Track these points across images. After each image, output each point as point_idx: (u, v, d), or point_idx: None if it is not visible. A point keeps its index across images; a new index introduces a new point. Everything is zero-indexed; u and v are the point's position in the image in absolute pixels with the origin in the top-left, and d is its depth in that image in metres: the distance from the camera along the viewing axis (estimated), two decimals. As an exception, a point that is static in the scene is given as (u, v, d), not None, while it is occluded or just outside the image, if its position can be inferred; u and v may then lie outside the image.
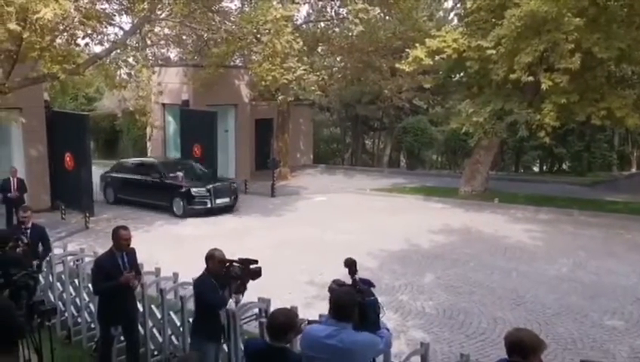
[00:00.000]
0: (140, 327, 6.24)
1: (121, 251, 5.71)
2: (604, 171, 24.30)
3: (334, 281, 4.01)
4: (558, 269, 10.24)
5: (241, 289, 4.94)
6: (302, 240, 12.48)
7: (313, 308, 6.80)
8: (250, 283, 4.96)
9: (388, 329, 3.83)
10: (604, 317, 7.93)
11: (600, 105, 14.44)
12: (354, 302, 3.56)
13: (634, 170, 25.51)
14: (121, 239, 5.68)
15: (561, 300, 8.58)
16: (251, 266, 4.93)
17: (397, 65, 17.73)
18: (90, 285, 6.86)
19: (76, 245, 10.16)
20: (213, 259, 5.16)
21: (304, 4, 20.76)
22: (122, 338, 6.12)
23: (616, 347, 6.97)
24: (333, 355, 3.44)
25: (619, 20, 14.27)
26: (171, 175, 16.01)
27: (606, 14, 14.09)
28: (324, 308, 3.92)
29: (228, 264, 5.03)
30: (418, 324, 7.61)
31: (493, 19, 14.93)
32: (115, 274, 5.58)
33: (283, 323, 3.56)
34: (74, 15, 11.05)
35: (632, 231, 12.91)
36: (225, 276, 5.01)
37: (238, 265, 4.96)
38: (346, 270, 4.06)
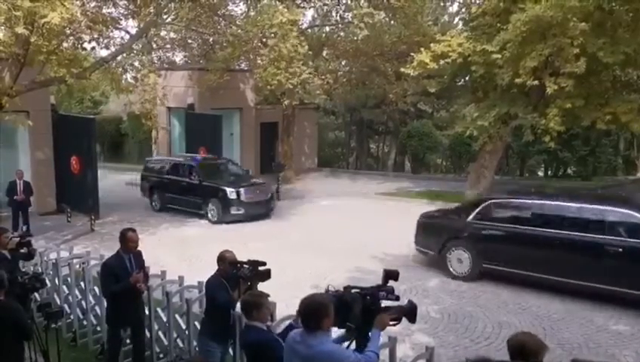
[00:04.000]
0: (145, 330, 6.26)
1: (129, 253, 5.76)
2: (610, 176, 24.20)
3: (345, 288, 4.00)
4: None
5: (250, 290, 4.98)
6: (307, 243, 12.49)
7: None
8: (259, 286, 4.99)
9: (376, 353, 3.64)
10: (609, 321, 7.89)
11: (605, 110, 14.39)
12: (319, 311, 3.48)
13: (639, 174, 25.38)
14: (129, 241, 5.73)
15: (567, 305, 8.54)
16: (260, 268, 4.97)
17: (402, 70, 17.74)
18: (95, 288, 6.92)
19: (82, 248, 10.21)
20: (224, 260, 5.23)
21: (309, 8, 20.87)
22: (128, 340, 6.15)
23: (622, 352, 6.94)
24: (302, 360, 3.47)
25: (624, 25, 14.23)
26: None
27: (611, 19, 14.07)
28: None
29: (239, 265, 5.07)
30: (423, 328, 7.59)
31: (499, 24, 14.92)
32: (123, 276, 5.62)
33: (248, 301, 4.08)
34: (81, 19, 11.16)
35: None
36: (235, 277, 5.05)
37: (247, 266, 5.00)
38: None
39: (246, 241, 12.22)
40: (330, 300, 3.57)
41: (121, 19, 14.88)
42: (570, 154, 23.86)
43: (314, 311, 3.48)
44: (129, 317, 5.79)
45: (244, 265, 5.06)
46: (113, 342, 5.96)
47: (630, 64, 14.61)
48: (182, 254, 11.30)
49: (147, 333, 6.23)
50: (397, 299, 3.99)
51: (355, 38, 19.75)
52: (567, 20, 12.95)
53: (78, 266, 7.45)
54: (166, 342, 6.18)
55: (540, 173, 27.71)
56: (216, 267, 5.39)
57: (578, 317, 8.04)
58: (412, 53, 17.20)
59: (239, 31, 15.80)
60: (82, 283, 7.18)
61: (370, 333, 3.73)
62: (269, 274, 4.96)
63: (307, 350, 3.45)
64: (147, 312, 6.20)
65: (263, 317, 4.07)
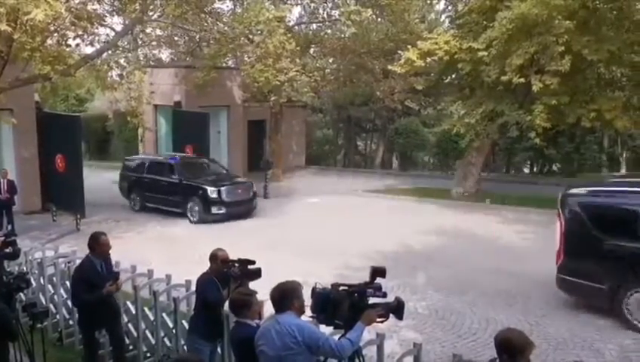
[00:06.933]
0: (132, 329, 6.22)
1: (100, 258, 5.58)
2: (594, 172, 24.48)
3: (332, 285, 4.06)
4: (550, 269, 10.28)
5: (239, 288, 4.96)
6: (295, 241, 12.49)
7: (307, 308, 6.81)
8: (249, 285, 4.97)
9: (350, 341, 3.74)
10: (593, 316, 7.99)
11: (590, 107, 14.57)
12: (288, 293, 3.76)
13: (623, 171, 25.70)
14: (103, 245, 5.56)
15: (552, 300, 8.64)
16: (250, 267, 4.95)
17: (389, 67, 17.81)
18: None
19: (67, 247, 10.09)
20: (216, 258, 5.21)
21: (296, 5, 20.82)
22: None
23: (606, 346, 7.03)
24: (277, 334, 3.64)
25: (608, 23, 14.42)
26: None
27: (596, 17, 14.23)
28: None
29: (230, 264, 5.06)
30: (411, 325, 7.64)
31: (485, 22, 15.05)
32: (97, 281, 5.45)
33: (237, 300, 4.14)
34: (65, 16, 11.01)
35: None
36: (226, 276, 5.03)
37: (237, 265, 4.99)
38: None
39: (233, 240, 12.16)
40: (298, 284, 3.85)
41: (106, 16, 14.72)
42: (556, 151, 24.10)
43: (282, 294, 3.74)
44: (103, 320, 5.65)
45: (235, 264, 5.05)
46: (89, 344, 5.84)
47: (614, 62, 14.79)
48: (169, 252, 11.23)
49: (134, 332, 6.20)
50: (384, 296, 4.02)
51: (343, 35, 19.77)
52: (553, 18, 13.08)
53: (63, 265, 7.38)
54: (153, 341, 6.14)
55: (526, 170, 27.98)
56: (203, 265, 5.37)
57: (563, 313, 8.14)
58: (399, 51, 17.31)
59: (226, 28, 15.72)
60: (68, 283, 7.09)
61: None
62: (259, 273, 4.96)
63: (278, 326, 3.66)
64: (134, 311, 6.16)
65: (252, 314, 4.12)
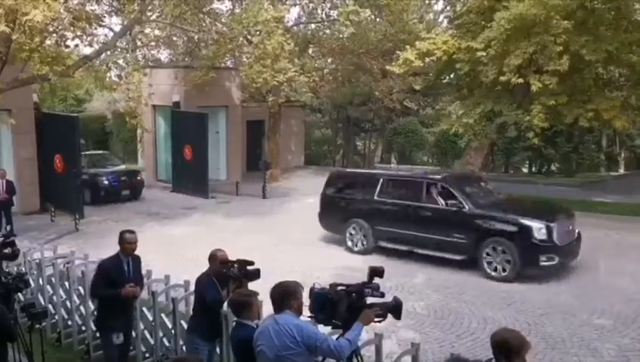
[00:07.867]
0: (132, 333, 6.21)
1: (128, 256, 5.61)
2: (593, 172, 24.55)
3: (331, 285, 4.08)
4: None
5: (239, 289, 4.97)
6: (293, 241, 12.48)
7: (305, 308, 6.81)
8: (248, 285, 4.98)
9: (349, 341, 3.77)
10: (592, 316, 8.01)
11: (588, 107, 14.58)
12: (286, 293, 3.77)
13: (621, 171, 25.76)
14: (126, 242, 5.58)
15: (551, 300, 8.65)
16: (249, 267, 4.97)
17: (388, 67, 17.83)
18: (80, 287, 6.85)
19: (66, 247, 10.09)
20: (215, 259, 5.21)
21: (295, 5, 20.84)
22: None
23: (604, 345, 7.04)
24: (276, 334, 3.66)
25: (606, 23, 14.44)
26: None
27: (594, 17, 14.26)
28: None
29: (229, 264, 5.07)
30: (409, 324, 7.65)
31: (483, 22, 15.06)
32: (120, 279, 5.47)
33: (237, 301, 4.17)
34: (64, 16, 11.02)
35: (622, 232, 13.04)
36: (225, 276, 5.04)
37: (237, 266, 5.01)
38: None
39: (232, 239, 12.15)
40: (298, 284, 3.86)
41: (104, 17, 14.73)
42: (554, 150, 24.15)
43: (282, 294, 3.76)
44: (122, 323, 5.61)
45: (234, 265, 5.06)
46: (106, 347, 5.73)
47: (612, 62, 14.82)
48: (168, 253, 11.24)
49: (133, 332, 6.20)
50: (382, 295, 4.04)
51: (341, 35, 19.77)
52: (551, 18, 13.10)
53: (62, 266, 7.39)
54: (152, 342, 6.15)
55: (525, 170, 28.04)
56: (202, 266, 5.37)
57: (561, 312, 8.15)
58: (398, 51, 17.30)
59: (224, 28, 15.74)
60: (66, 283, 7.11)
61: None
62: (258, 274, 4.97)
63: (277, 326, 3.67)
64: (133, 311, 6.17)
65: (252, 315, 4.14)
